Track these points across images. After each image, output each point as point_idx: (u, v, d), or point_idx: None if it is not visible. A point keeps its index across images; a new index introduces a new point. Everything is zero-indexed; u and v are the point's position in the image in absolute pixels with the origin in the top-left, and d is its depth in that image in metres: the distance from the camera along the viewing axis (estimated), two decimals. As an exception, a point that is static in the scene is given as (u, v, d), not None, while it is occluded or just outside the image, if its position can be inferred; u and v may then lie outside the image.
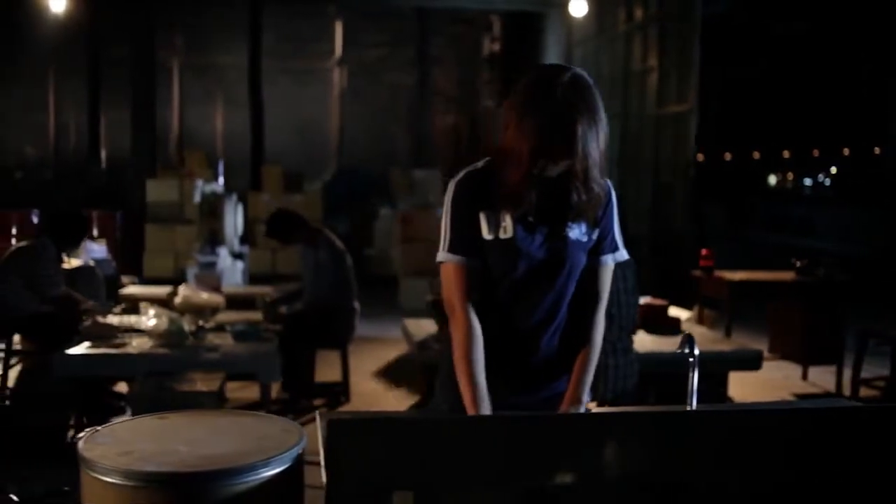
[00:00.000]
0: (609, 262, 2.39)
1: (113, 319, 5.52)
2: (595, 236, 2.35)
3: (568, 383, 2.41)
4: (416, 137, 32.30)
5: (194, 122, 24.96)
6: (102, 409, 5.48)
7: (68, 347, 5.18)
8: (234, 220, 8.08)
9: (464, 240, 2.31)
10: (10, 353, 5.68)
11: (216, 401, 4.48)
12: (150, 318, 5.20)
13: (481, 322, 2.29)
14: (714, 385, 5.27)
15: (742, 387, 6.16)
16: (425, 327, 5.67)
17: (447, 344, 2.40)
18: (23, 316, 5.42)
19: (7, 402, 5.63)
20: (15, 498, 2.20)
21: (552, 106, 2.13)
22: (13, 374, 5.76)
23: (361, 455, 1.82)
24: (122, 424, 2.27)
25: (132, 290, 6.53)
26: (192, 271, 8.04)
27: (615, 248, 2.40)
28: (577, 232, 2.31)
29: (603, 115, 2.21)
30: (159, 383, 4.55)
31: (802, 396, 6.24)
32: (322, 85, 28.84)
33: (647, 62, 11.48)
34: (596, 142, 2.19)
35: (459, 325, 2.29)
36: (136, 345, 5.06)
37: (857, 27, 25.43)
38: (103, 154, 24.62)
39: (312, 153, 25.39)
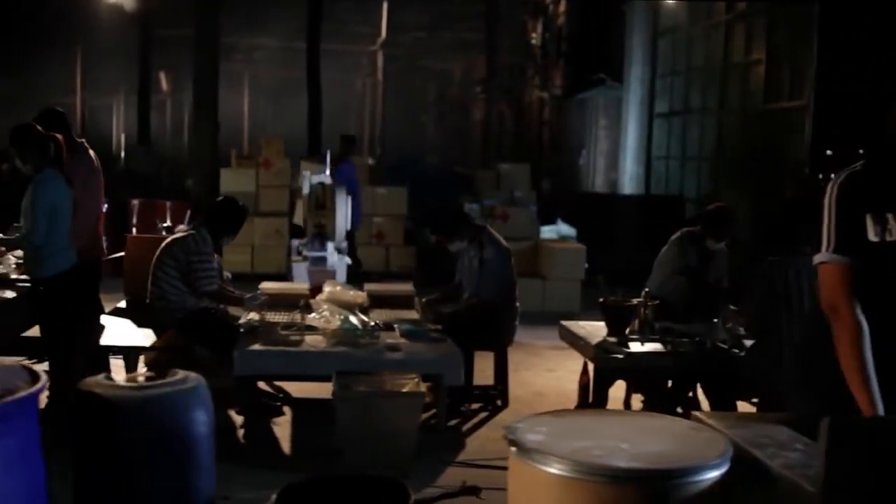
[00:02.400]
0: None
1: (271, 317, 5.68)
2: None
3: None
4: (454, 127, 32.44)
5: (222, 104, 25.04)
6: (262, 409, 5.65)
7: (227, 344, 5.36)
8: (345, 213, 8.24)
9: (848, 241, 2.46)
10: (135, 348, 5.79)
11: (422, 401, 4.63)
12: (321, 315, 5.37)
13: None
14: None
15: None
16: (594, 330, 5.78)
17: (801, 345, 2.54)
18: (180, 311, 5.57)
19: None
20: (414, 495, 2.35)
21: None
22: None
23: (868, 457, 1.96)
24: (535, 421, 2.42)
25: (267, 286, 6.68)
26: (302, 266, 8.17)
27: None
28: None
29: None
30: (358, 383, 4.70)
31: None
32: (361, 69, 29.06)
33: (750, 55, 11.59)
34: None
35: (847, 326, 2.43)
36: (311, 342, 5.22)
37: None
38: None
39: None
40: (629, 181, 14.07)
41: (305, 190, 8.24)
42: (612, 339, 5.51)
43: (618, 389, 6.18)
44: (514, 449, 2.29)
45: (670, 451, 2.22)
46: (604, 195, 13.75)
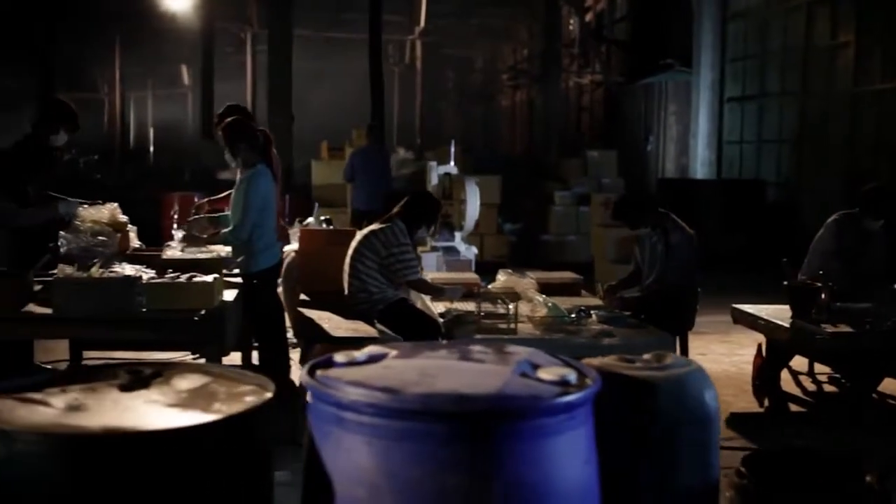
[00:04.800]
0: None
1: (468, 305, 5.82)
2: None
3: None
4: (490, 114, 32.51)
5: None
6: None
7: (426, 334, 5.52)
8: (475, 203, 8.39)
9: None
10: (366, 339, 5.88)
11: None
12: (531, 303, 5.54)
13: None
14: None
15: None
16: (774, 313, 5.95)
17: None
18: (381, 302, 5.72)
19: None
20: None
21: None
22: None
23: None
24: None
25: (433, 275, 6.84)
26: (431, 256, 8.32)
27: None
28: None
29: None
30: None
31: None
32: (387, 58, 29.09)
33: (837, 38, 11.75)
34: None
35: None
36: (525, 330, 5.37)
37: None
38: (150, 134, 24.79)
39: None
40: (700, 166, 14.24)
41: (434, 182, 8.42)
42: (802, 321, 5.69)
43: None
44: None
45: None
46: (686, 180, 13.86)
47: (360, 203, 10.51)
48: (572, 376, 2.10)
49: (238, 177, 6.62)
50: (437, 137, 29.95)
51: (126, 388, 2.30)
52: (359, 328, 5.48)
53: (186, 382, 2.33)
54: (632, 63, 16.47)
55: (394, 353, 2.25)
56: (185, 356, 6.54)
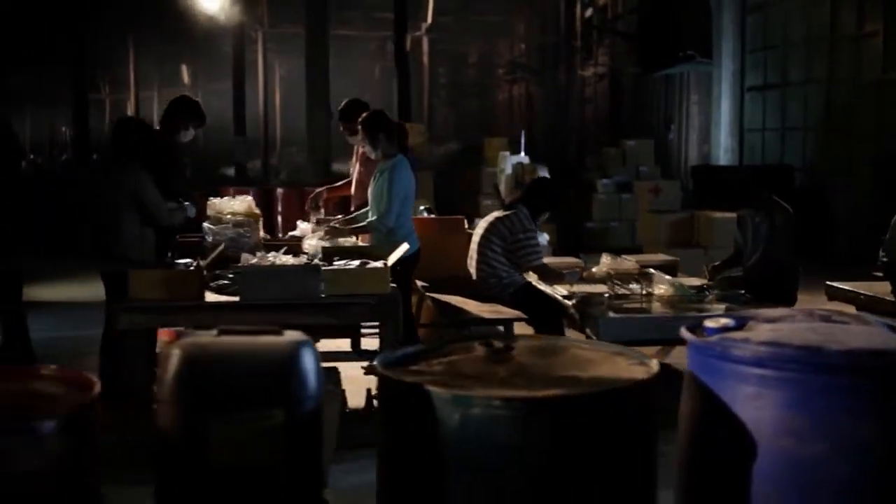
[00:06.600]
0: None
1: (588, 287, 5.96)
2: None
3: None
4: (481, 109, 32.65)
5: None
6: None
7: (552, 316, 5.69)
8: (549, 192, 8.55)
9: None
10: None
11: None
12: (658, 286, 5.70)
13: None
14: None
15: None
16: (871, 289, 6.14)
17: None
18: (511, 286, 5.87)
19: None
20: None
21: None
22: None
23: None
24: None
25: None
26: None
27: None
28: None
29: None
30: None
31: None
32: (387, 55, 29.12)
33: (864, 27, 11.99)
34: None
35: None
36: (655, 309, 5.53)
37: None
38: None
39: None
40: (723, 153, 14.48)
41: (508, 171, 8.55)
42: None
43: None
44: None
45: None
46: (716, 167, 14.00)
47: None
48: (933, 333, 2.27)
49: (354, 166, 6.73)
50: (439, 132, 30.06)
51: (495, 359, 2.42)
52: (500, 310, 5.62)
53: (550, 351, 2.46)
54: (645, 54, 16.63)
55: (752, 320, 2.40)
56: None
